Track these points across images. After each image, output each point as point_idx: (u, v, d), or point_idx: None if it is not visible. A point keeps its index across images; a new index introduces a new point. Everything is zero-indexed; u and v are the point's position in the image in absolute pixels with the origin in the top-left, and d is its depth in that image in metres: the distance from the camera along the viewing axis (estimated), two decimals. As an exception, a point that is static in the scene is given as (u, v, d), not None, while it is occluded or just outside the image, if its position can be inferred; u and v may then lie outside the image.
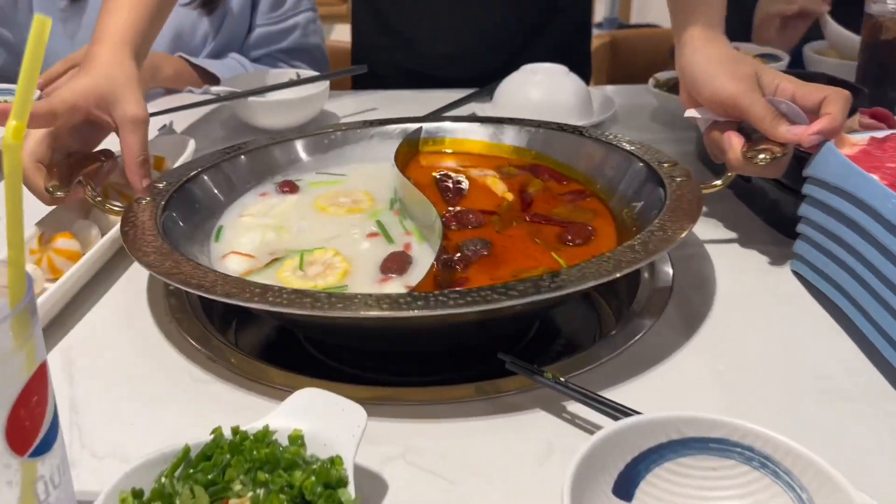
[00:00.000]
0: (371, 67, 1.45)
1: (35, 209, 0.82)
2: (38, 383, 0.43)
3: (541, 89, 1.17)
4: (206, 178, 0.85)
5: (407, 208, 0.85)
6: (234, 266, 0.77)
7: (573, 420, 0.59)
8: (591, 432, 0.58)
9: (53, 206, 0.82)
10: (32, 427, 0.43)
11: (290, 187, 0.91)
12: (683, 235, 0.67)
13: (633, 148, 0.87)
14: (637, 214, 0.79)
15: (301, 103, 1.15)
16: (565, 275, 0.61)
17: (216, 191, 0.86)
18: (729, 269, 0.81)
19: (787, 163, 0.79)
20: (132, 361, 0.68)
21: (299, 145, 0.95)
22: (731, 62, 0.82)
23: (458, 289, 0.59)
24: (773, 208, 0.88)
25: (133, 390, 0.64)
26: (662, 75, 1.24)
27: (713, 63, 0.82)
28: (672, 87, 1.20)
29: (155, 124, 1.12)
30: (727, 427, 0.49)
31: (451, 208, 0.87)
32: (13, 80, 1.30)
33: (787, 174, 0.84)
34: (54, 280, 0.73)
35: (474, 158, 0.97)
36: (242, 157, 0.91)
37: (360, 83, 1.53)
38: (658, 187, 0.78)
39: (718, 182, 0.82)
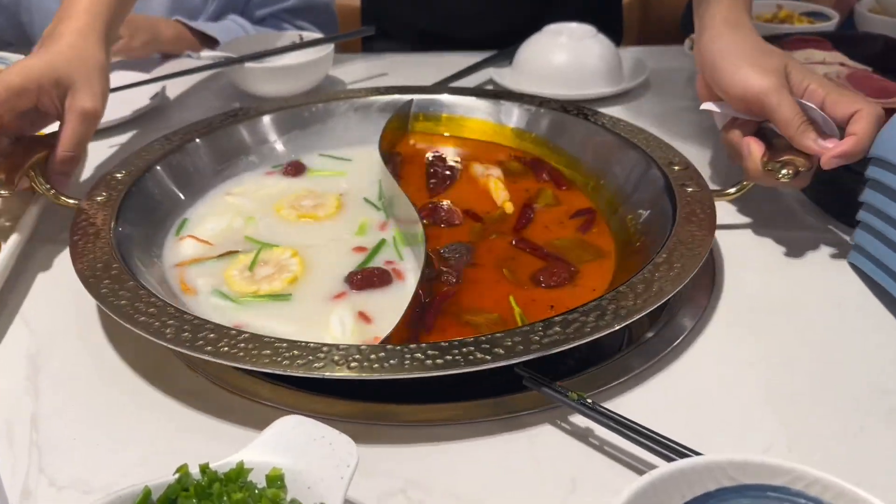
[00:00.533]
0: (381, 28, 1.35)
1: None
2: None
3: (565, 53, 1.07)
4: (168, 167, 0.78)
5: (391, 206, 0.77)
6: (187, 251, 0.72)
7: (601, 447, 0.51)
8: (621, 462, 0.50)
9: None
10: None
11: (296, 169, 0.85)
12: (675, 291, 0.57)
13: (642, 143, 0.78)
14: (641, 226, 0.71)
15: (303, 69, 1.06)
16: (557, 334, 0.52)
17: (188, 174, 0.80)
18: (775, 260, 0.72)
19: (811, 176, 0.69)
20: (98, 369, 0.60)
21: (282, 118, 0.88)
22: (758, 53, 0.71)
23: (433, 344, 0.51)
24: (828, 189, 0.78)
25: (100, 404, 0.57)
26: (699, 36, 1.13)
27: (738, 52, 0.71)
28: (710, 49, 1.09)
29: (147, 92, 1.04)
30: (789, 473, 0.41)
31: (431, 201, 0.79)
32: (8, 47, 1.22)
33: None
34: None
35: (472, 145, 0.88)
36: (220, 132, 0.84)
37: (371, 45, 1.43)
38: (666, 196, 0.70)
39: (732, 190, 0.73)
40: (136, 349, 0.61)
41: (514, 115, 0.89)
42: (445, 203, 0.78)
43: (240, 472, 0.43)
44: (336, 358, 0.50)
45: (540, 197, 0.78)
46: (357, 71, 1.20)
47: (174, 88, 1.10)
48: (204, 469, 0.43)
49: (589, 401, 0.51)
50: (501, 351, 0.50)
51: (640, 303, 0.55)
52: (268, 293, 0.66)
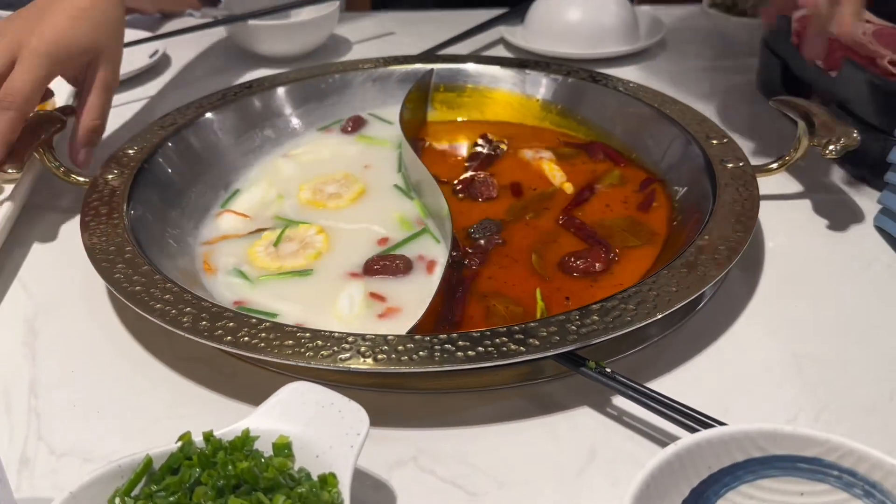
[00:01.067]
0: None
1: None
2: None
3: (580, 10, 1.03)
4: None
5: (413, 184, 0.74)
6: (224, 226, 0.70)
7: (620, 417, 0.49)
8: (641, 432, 0.48)
9: None
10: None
11: (355, 124, 0.83)
12: (719, 276, 0.54)
13: (677, 115, 0.74)
14: (678, 203, 0.68)
15: (308, 27, 1.02)
16: (597, 324, 0.49)
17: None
18: (800, 224, 0.69)
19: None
20: (100, 335, 0.58)
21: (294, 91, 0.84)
22: None
23: (464, 334, 0.48)
24: (856, 150, 0.75)
25: (100, 371, 0.55)
26: (719, -7, 1.09)
27: None
28: (730, 7, 1.05)
29: (146, 50, 1.01)
30: (822, 444, 0.39)
31: (469, 173, 0.76)
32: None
33: (875, 108, 0.71)
34: None
35: (506, 128, 0.83)
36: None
37: (379, 1, 1.39)
38: (705, 173, 0.66)
39: (774, 166, 0.69)
40: (137, 315, 0.59)
41: (540, 86, 0.84)
42: (482, 174, 0.75)
43: (245, 440, 0.41)
44: (362, 349, 0.47)
45: (606, 176, 0.73)
46: (363, 29, 1.16)
47: (175, 47, 1.07)
48: (208, 437, 0.41)
49: (608, 370, 0.48)
50: (536, 342, 0.47)
51: (683, 289, 0.52)
52: (290, 270, 0.64)
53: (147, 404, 0.52)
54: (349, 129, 0.83)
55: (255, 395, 0.51)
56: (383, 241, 0.66)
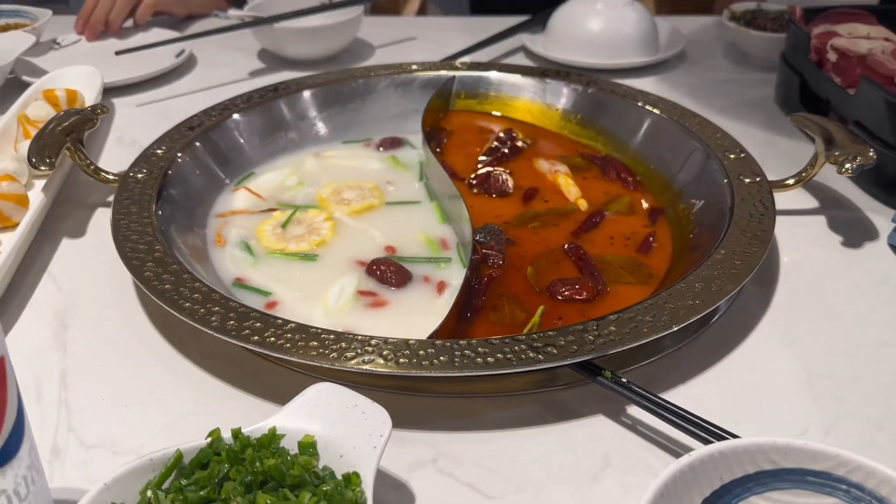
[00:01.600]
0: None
1: None
2: (-10, 386, 0.35)
3: (601, 20, 1.04)
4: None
5: (433, 190, 0.75)
6: (237, 203, 0.73)
7: (634, 426, 0.50)
8: (655, 441, 0.49)
9: None
10: (-16, 436, 0.35)
11: (391, 143, 0.84)
12: (735, 290, 0.55)
13: (695, 128, 0.75)
14: (695, 216, 0.68)
15: (332, 31, 1.04)
16: (614, 335, 0.50)
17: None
18: (814, 240, 0.70)
19: None
20: (128, 330, 0.60)
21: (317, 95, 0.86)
22: None
23: (483, 341, 0.49)
24: (870, 169, 0.76)
25: (128, 366, 0.56)
26: (739, 6, 1.09)
27: None
28: (749, 20, 1.06)
29: (172, 50, 1.03)
30: (832, 459, 0.40)
31: (484, 168, 0.77)
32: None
33: (891, 126, 0.72)
34: (7, 229, 0.67)
35: (525, 129, 0.85)
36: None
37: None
38: (722, 188, 0.67)
39: (791, 181, 0.70)
40: (163, 311, 0.60)
41: (560, 95, 0.86)
42: (499, 170, 0.76)
43: (272, 438, 0.43)
44: (385, 353, 0.49)
45: (615, 202, 0.73)
46: (385, 34, 1.18)
47: (200, 47, 1.09)
48: (236, 434, 0.42)
49: (623, 379, 0.50)
50: (554, 350, 0.48)
51: (699, 303, 0.53)
52: (295, 252, 0.66)
53: (173, 400, 0.53)
54: (382, 146, 0.84)
55: (278, 394, 0.53)
56: (390, 248, 0.67)
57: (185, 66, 1.05)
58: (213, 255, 0.66)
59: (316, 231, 0.69)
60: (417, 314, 0.60)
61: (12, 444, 0.37)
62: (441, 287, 0.63)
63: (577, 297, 0.61)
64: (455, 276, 0.64)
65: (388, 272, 0.63)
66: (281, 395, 0.53)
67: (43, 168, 0.67)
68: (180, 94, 0.99)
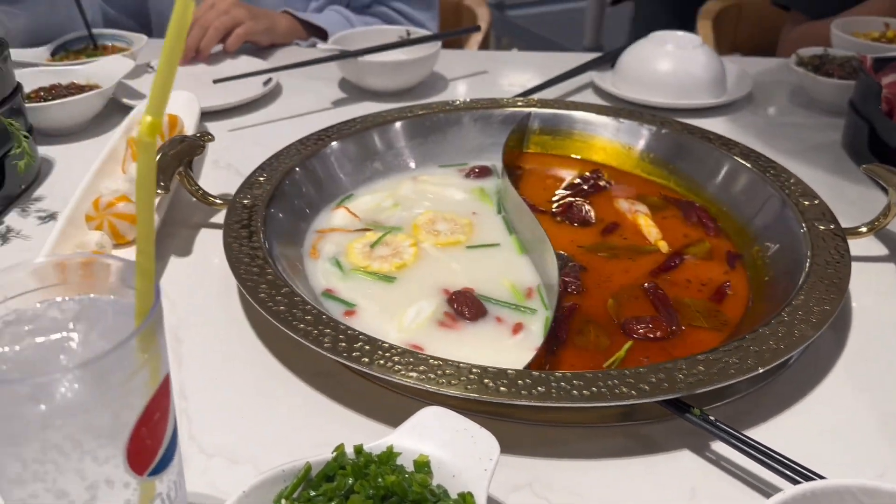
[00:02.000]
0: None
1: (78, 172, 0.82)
2: (161, 399, 0.40)
3: (670, 61, 1.07)
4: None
5: (512, 223, 0.79)
6: (335, 221, 0.79)
7: (718, 462, 0.53)
8: (740, 478, 0.52)
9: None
10: (153, 445, 0.40)
11: (480, 171, 0.88)
12: (815, 335, 0.58)
13: (769, 172, 0.78)
14: (770, 259, 0.71)
15: (412, 65, 1.09)
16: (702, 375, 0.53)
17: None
18: (885, 285, 0.72)
19: None
20: (237, 345, 0.65)
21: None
22: None
23: (578, 374, 0.53)
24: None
25: (240, 380, 0.61)
26: (806, 52, 1.12)
27: None
28: (817, 66, 1.08)
29: (260, 79, 1.09)
30: (918, 503, 0.43)
31: (567, 198, 0.81)
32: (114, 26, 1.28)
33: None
34: (120, 246, 0.73)
35: (601, 167, 0.89)
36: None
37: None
38: (798, 233, 0.70)
39: (864, 229, 0.73)
40: (270, 328, 0.65)
41: (636, 135, 0.89)
42: (580, 200, 0.80)
43: (390, 455, 0.46)
44: (486, 381, 0.53)
45: (696, 246, 0.75)
46: (458, 67, 1.23)
47: (284, 76, 1.15)
48: (359, 450, 0.46)
49: (711, 417, 0.53)
50: (646, 387, 0.52)
51: (783, 347, 0.56)
52: (376, 271, 0.71)
53: (284, 413, 0.58)
54: (471, 174, 0.88)
55: (379, 412, 0.57)
56: (469, 286, 0.70)
57: (271, 94, 1.10)
58: (307, 266, 0.73)
59: (399, 254, 0.74)
60: (489, 345, 0.64)
61: (170, 451, 0.42)
62: (517, 328, 0.65)
63: (651, 335, 0.64)
64: (533, 319, 0.66)
65: (466, 304, 0.67)
66: (383, 413, 0.57)
67: (160, 191, 0.72)
68: (269, 120, 1.04)
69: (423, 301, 0.68)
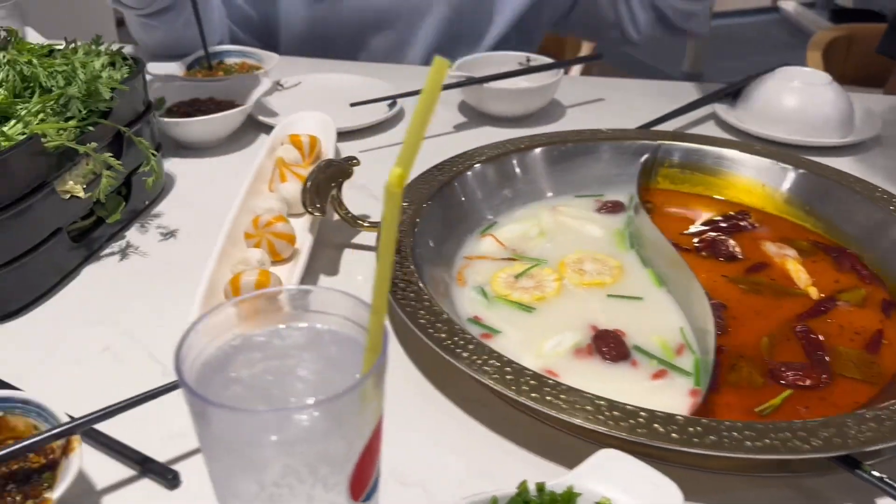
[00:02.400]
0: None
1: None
2: (379, 429, 0.42)
3: (798, 97, 1.06)
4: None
5: (647, 257, 0.79)
6: (483, 248, 0.82)
7: (886, 519, 0.53)
8: (911, 538, 0.52)
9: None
10: (369, 472, 0.42)
11: (614, 207, 0.89)
12: None
13: None
14: None
15: (534, 92, 1.11)
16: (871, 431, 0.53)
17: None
18: None
19: None
20: (392, 366, 0.67)
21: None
22: None
23: (748, 424, 0.53)
24: None
25: (400, 401, 0.63)
26: (939, 92, 1.09)
27: None
28: (952, 107, 1.06)
29: (385, 101, 1.12)
30: None
31: (709, 233, 0.81)
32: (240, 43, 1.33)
33: None
34: (277, 264, 0.76)
35: (735, 207, 0.88)
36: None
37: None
38: None
39: None
40: (423, 350, 0.66)
41: (775, 175, 0.88)
42: (724, 236, 0.81)
43: (570, 496, 0.48)
44: (656, 425, 0.53)
45: (849, 292, 0.74)
46: (574, 94, 1.24)
47: (406, 98, 1.17)
48: (541, 487, 0.48)
49: (879, 474, 0.52)
50: (819, 442, 0.52)
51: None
52: (517, 301, 0.73)
53: (442, 439, 0.60)
54: (604, 208, 0.88)
55: (537, 446, 0.58)
56: (619, 332, 0.69)
57: (396, 117, 1.13)
58: (454, 293, 0.75)
59: (541, 287, 0.75)
60: (624, 383, 0.64)
61: (377, 478, 0.44)
62: (659, 374, 0.65)
63: (800, 382, 0.64)
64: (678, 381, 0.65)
65: (611, 344, 0.67)
66: (541, 447, 0.58)
67: (316, 213, 0.75)
68: (395, 143, 1.07)
69: (567, 332, 0.69)
